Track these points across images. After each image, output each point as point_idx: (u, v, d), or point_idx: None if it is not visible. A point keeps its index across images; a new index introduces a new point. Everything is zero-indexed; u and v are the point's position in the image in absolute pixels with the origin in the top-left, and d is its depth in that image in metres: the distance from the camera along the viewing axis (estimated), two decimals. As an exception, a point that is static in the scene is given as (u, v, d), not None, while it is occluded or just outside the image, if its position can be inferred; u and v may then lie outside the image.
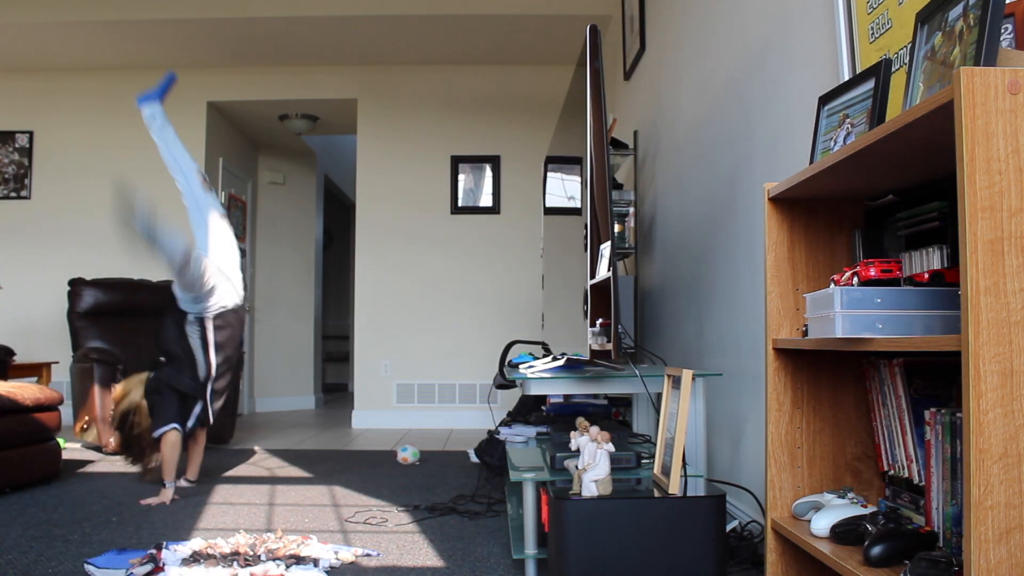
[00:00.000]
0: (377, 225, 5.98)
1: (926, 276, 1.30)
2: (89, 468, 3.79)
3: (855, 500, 1.52)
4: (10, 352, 4.25)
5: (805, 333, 1.57)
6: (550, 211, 3.48)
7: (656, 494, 1.77)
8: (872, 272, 1.34)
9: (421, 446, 4.48)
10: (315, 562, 2.14)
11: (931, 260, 1.31)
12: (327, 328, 9.18)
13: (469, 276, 5.92)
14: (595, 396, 3.26)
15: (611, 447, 1.78)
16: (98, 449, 4.35)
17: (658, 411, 1.98)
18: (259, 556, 2.15)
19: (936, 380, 1.41)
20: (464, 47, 5.67)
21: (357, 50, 5.71)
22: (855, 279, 1.36)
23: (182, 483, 3.26)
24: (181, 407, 3.13)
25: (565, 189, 3.01)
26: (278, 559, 2.14)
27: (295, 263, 7.28)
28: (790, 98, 2.23)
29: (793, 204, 1.64)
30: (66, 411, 5.00)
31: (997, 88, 0.96)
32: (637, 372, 2.22)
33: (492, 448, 3.39)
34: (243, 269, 4.73)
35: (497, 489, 3.16)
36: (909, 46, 1.36)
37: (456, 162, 5.99)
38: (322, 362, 7.94)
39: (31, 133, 5.96)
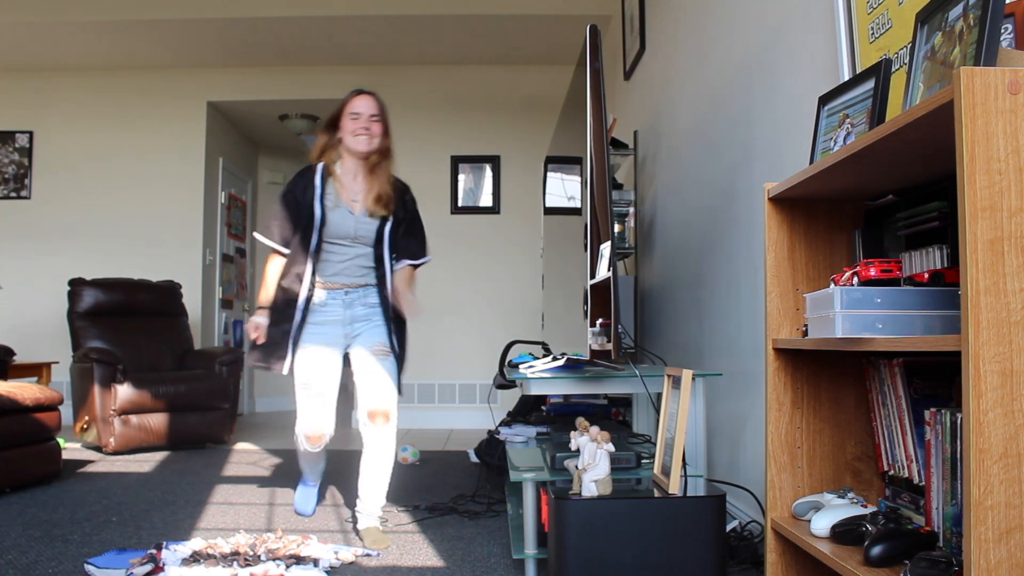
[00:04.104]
0: (377, 225, 5.97)
1: (926, 276, 1.30)
2: (89, 468, 3.79)
3: (855, 500, 1.52)
4: (10, 352, 4.25)
5: (805, 333, 1.57)
6: (550, 211, 3.48)
7: (656, 494, 1.77)
8: (872, 272, 1.34)
9: (421, 446, 4.48)
10: (315, 562, 2.14)
11: (931, 260, 1.31)
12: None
13: (469, 276, 5.91)
14: (595, 396, 3.26)
15: (611, 447, 1.78)
16: (98, 449, 4.35)
17: (658, 411, 1.98)
18: (259, 556, 2.15)
19: (936, 380, 1.41)
20: (464, 47, 5.67)
21: (357, 50, 5.71)
22: (855, 279, 1.36)
23: None
24: None
25: (565, 189, 3.01)
26: (278, 559, 2.14)
27: (295, 263, 7.28)
28: (790, 98, 2.23)
29: (793, 204, 1.64)
30: (66, 411, 4.99)
31: (997, 88, 0.96)
32: (637, 372, 2.22)
33: (492, 448, 3.39)
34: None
35: (497, 489, 3.16)
36: (909, 46, 1.36)
37: (456, 162, 5.99)
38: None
39: (31, 133, 5.96)
